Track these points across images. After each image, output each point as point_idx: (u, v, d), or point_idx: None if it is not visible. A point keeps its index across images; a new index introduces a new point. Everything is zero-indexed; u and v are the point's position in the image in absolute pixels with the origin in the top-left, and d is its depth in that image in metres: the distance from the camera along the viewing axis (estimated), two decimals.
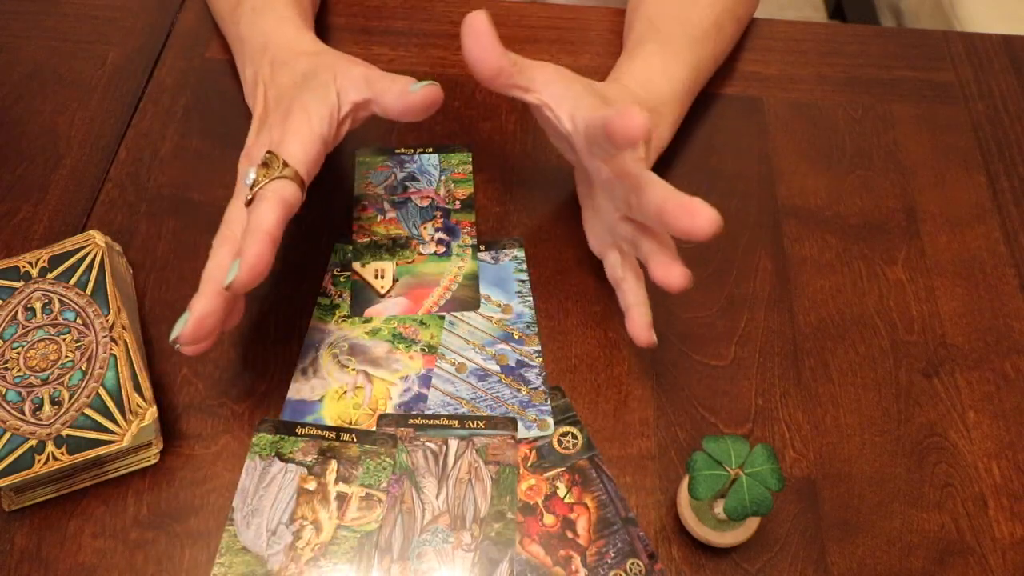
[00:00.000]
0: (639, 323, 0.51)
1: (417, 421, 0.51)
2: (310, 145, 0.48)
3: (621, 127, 0.43)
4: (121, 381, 0.48)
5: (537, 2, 0.72)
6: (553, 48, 0.68)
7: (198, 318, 0.45)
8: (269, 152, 0.47)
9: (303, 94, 0.50)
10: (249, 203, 0.47)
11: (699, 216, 0.43)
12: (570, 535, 0.48)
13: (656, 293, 0.51)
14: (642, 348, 0.53)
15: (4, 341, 0.50)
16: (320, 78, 0.50)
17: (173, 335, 0.45)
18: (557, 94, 0.50)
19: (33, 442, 0.46)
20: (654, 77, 0.57)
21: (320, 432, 0.50)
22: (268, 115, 0.51)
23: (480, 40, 0.48)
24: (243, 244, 0.44)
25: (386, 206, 0.60)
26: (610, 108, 0.46)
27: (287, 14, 0.56)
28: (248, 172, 0.47)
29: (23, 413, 0.47)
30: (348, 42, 0.68)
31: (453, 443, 0.50)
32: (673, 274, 0.47)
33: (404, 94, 0.49)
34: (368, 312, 0.55)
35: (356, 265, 0.57)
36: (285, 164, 0.47)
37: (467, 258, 0.58)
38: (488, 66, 0.48)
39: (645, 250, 0.50)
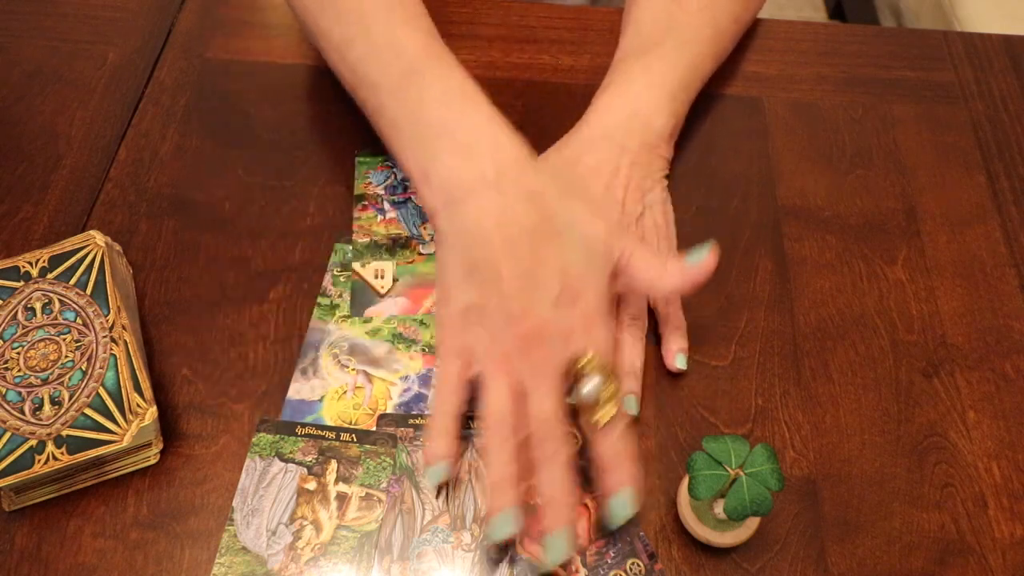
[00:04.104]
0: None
1: (417, 421, 0.51)
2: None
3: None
4: (121, 381, 0.48)
5: (537, 2, 0.72)
6: (553, 48, 0.68)
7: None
8: (594, 362, 0.45)
9: (590, 270, 0.47)
10: (580, 420, 0.46)
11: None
12: None
13: None
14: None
15: (4, 341, 0.50)
16: (598, 250, 0.48)
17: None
18: None
19: (33, 442, 0.46)
20: (641, 113, 0.57)
21: (320, 432, 0.50)
22: (525, 271, 0.46)
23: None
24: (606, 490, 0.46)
25: (386, 206, 0.60)
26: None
27: (470, 92, 0.50)
28: (585, 384, 0.45)
29: (23, 413, 0.47)
30: None
31: None
32: (671, 354, 0.53)
33: (683, 271, 0.49)
34: (368, 312, 0.55)
35: (356, 265, 0.57)
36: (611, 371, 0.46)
37: None
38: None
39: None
